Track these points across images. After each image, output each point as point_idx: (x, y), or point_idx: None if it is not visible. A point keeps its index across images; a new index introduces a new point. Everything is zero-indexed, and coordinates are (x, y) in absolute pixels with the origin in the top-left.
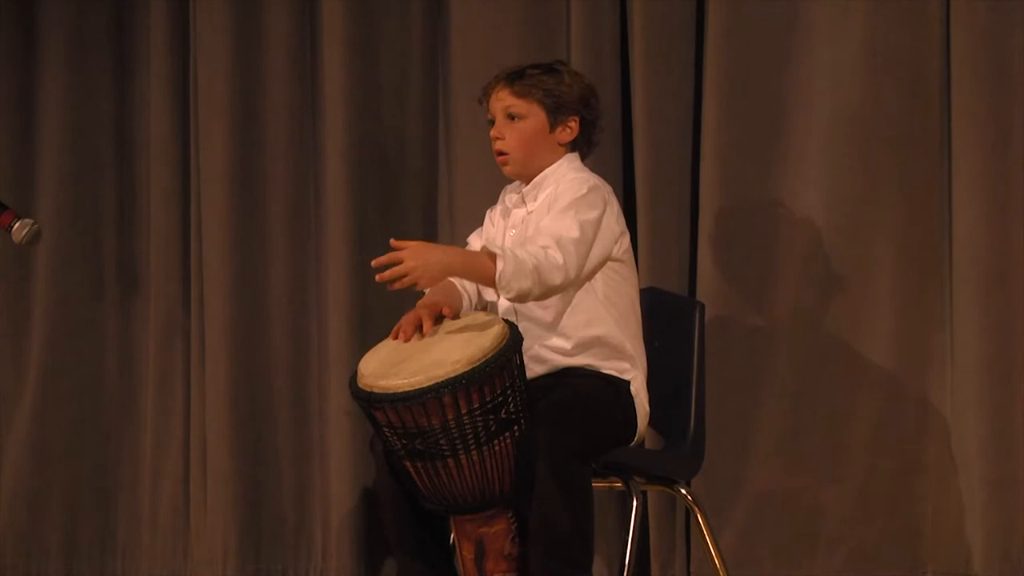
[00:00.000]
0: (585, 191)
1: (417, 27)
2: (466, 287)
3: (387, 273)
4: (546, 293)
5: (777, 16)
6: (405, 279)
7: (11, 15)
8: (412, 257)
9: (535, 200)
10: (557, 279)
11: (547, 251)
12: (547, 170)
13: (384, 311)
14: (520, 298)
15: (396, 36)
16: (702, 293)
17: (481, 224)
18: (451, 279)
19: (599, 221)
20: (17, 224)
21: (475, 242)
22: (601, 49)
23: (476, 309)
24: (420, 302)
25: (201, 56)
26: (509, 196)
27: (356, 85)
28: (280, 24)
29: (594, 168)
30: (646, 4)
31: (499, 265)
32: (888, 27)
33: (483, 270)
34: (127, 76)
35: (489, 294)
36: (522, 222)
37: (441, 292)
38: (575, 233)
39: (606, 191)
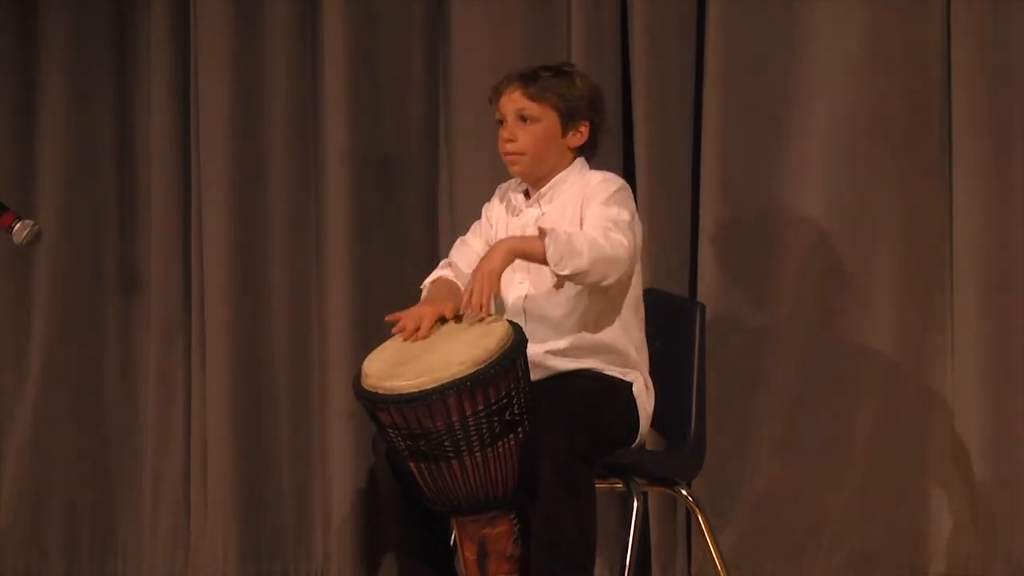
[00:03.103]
0: (617, 188)
1: (418, 28)
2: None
3: (475, 301)
4: (608, 271)
5: (778, 16)
6: (484, 285)
7: (12, 17)
8: (474, 272)
9: (550, 201)
10: (622, 253)
11: (607, 231)
12: (561, 174)
13: (385, 312)
14: (576, 277)
15: (397, 37)
16: (703, 294)
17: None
18: (452, 279)
19: (635, 213)
20: (18, 225)
21: (472, 240)
22: (602, 49)
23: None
24: (423, 300)
25: (202, 58)
26: (514, 195)
27: (357, 87)
28: (281, 26)
29: (595, 167)
30: (647, 4)
31: (546, 242)
32: (889, 27)
33: (538, 249)
34: (128, 78)
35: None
36: (536, 222)
37: (443, 290)
38: (626, 216)
39: (630, 191)
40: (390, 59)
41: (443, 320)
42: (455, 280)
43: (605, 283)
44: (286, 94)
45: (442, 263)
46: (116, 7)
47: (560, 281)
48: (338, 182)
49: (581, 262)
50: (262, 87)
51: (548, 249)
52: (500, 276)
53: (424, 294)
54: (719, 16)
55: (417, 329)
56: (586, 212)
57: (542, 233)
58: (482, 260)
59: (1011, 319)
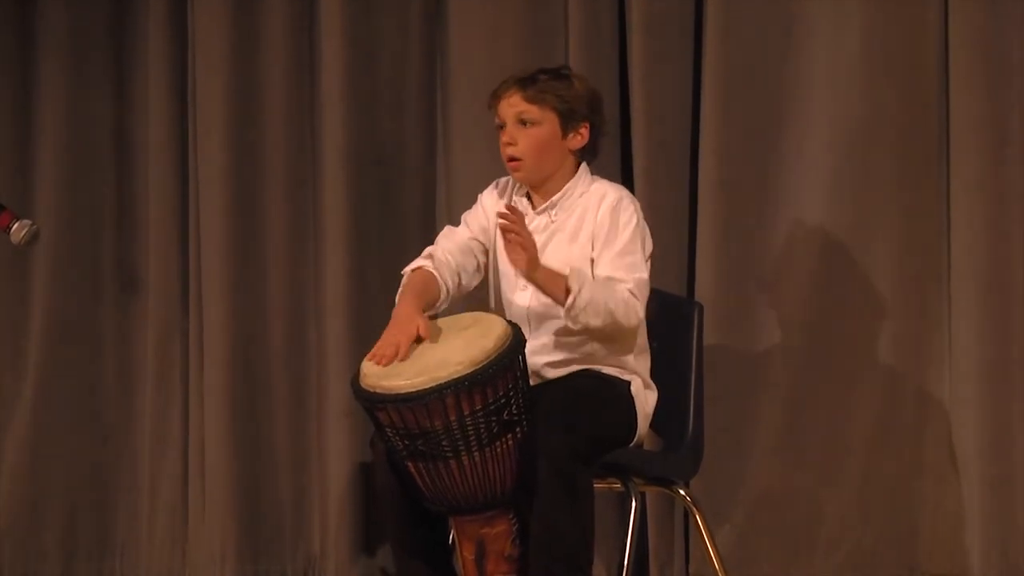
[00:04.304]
0: (635, 222)
1: (416, 27)
2: (446, 279)
3: (513, 237)
4: (610, 332)
5: (776, 16)
6: (525, 250)
7: (9, 15)
8: (534, 246)
9: (561, 210)
10: (633, 322)
11: (627, 296)
12: (569, 184)
13: (382, 312)
14: (584, 331)
15: (394, 36)
16: (700, 294)
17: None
18: (431, 271)
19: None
20: (16, 225)
21: (460, 230)
22: (599, 49)
23: (453, 299)
24: (396, 315)
25: (199, 57)
26: (518, 199)
27: (354, 86)
28: (278, 24)
29: (592, 168)
30: (645, 4)
31: (574, 290)
32: (887, 27)
33: (556, 289)
34: (126, 76)
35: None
36: (545, 230)
37: (419, 284)
38: (646, 275)
39: (638, 205)
40: (388, 57)
41: (419, 340)
42: (433, 272)
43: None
44: (284, 92)
45: (424, 252)
46: (114, 4)
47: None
48: (335, 180)
49: (596, 323)
50: (260, 85)
51: (575, 298)
52: (530, 269)
53: (404, 281)
54: (717, 16)
55: (395, 354)
56: (601, 249)
57: (565, 276)
58: (524, 259)
59: (1009, 320)
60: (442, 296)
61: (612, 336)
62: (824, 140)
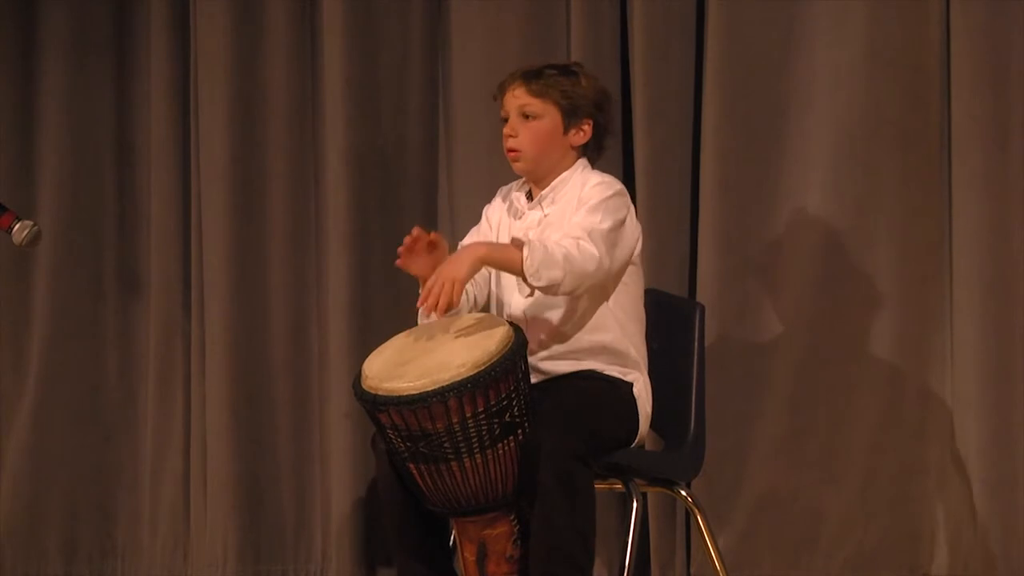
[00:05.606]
0: (611, 194)
1: (417, 28)
2: (467, 289)
3: (430, 301)
4: (579, 283)
5: (777, 16)
6: (444, 290)
7: (12, 16)
8: (437, 272)
9: (552, 203)
10: (591, 266)
11: (579, 241)
12: (563, 175)
13: (384, 312)
14: (550, 288)
15: (396, 36)
16: (702, 294)
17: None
18: None
19: (625, 221)
20: (17, 226)
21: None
22: (601, 49)
23: (477, 311)
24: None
25: (201, 58)
26: (517, 197)
27: (356, 86)
28: (280, 25)
29: (596, 168)
30: (646, 4)
31: (525, 252)
32: (888, 28)
33: (511, 259)
34: (127, 77)
35: (510, 295)
36: (539, 224)
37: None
38: (607, 225)
39: (627, 196)
40: (390, 59)
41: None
42: None
43: (574, 294)
44: (286, 93)
45: None
46: (116, 5)
47: (532, 290)
48: (337, 181)
49: (556, 274)
50: (262, 86)
51: (526, 260)
52: (464, 284)
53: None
54: (719, 16)
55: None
56: (575, 215)
57: (518, 242)
58: (447, 263)
59: (1010, 319)
60: (467, 307)
61: (575, 292)
62: (825, 139)
